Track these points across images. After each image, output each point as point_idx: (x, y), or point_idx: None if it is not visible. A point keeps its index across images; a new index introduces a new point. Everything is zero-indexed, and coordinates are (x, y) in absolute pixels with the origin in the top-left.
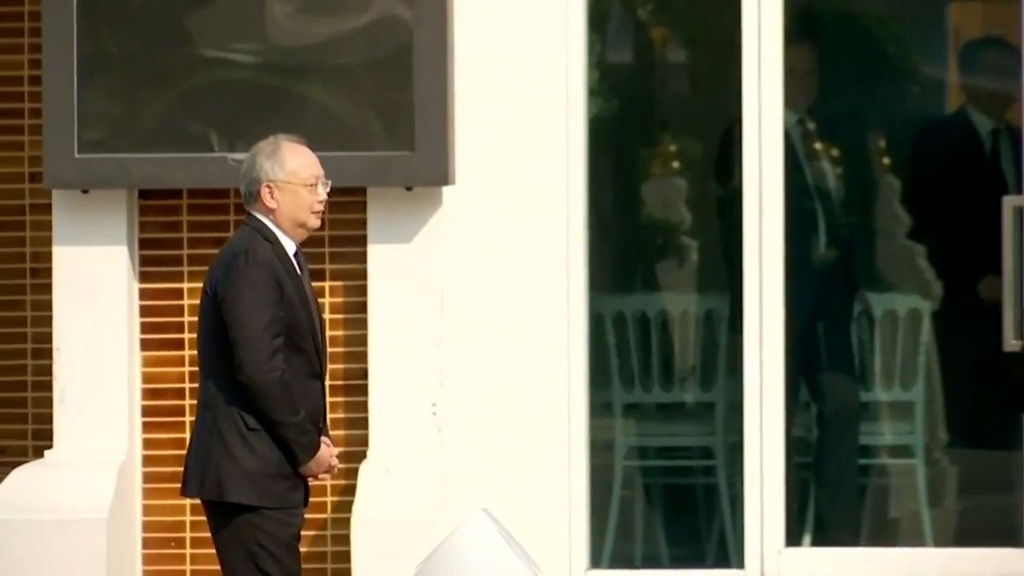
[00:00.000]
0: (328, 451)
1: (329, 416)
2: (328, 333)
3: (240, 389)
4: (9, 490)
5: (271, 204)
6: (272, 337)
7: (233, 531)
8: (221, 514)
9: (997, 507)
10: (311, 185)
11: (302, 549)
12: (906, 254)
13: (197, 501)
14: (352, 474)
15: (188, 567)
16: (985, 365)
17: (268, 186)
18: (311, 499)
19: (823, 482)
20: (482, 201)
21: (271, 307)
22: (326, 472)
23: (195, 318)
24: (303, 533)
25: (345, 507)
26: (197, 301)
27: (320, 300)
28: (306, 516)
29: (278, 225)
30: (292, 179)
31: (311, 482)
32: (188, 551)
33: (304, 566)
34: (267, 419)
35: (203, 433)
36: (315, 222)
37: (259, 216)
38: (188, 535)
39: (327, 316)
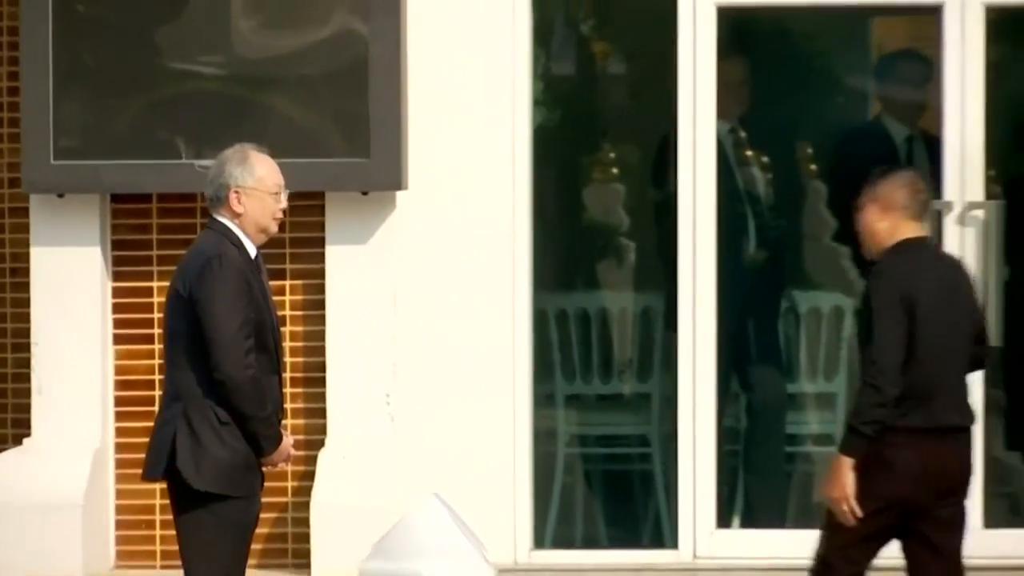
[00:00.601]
0: (288, 441)
1: (288, 407)
2: (288, 329)
3: (215, 386)
4: None
5: (238, 209)
6: (245, 337)
7: (198, 516)
8: (187, 499)
9: None
10: (275, 193)
11: (264, 531)
12: (830, 255)
13: (164, 485)
14: (311, 461)
15: (159, 547)
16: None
17: (236, 192)
18: (272, 484)
19: (752, 468)
20: (433, 205)
21: (243, 309)
22: (285, 461)
23: (148, 310)
24: (265, 516)
25: (304, 492)
26: (165, 299)
27: (280, 298)
28: (267, 500)
29: (243, 229)
30: (259, 186)
31: (267, 469)
32: (158, 532)
33: (266, 546)
34: (239, 413)
35: (171, 424)
36: (275, 228)
37: (224, 220)
38: (158, 518)
39: (287, 313)
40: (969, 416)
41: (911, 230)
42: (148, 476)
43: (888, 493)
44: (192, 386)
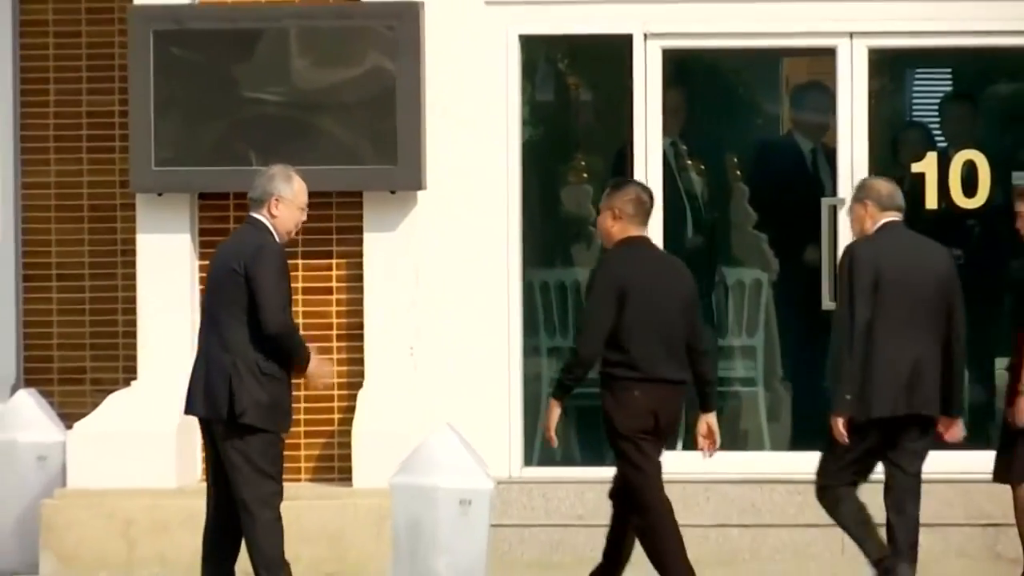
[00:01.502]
0: (328, 368)
1: (334, 357)
2: (334, 297)
3: (261, 341)
4: (106, 410)
5: (275, 212)
6: (287, 303)
7: (243, 446)
8: (232, 433)
9: (819, 419)
10: (302, 208)
11: (316, 452)
12: (752, 240)
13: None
14: (352, 398)
15: None
16: (808, 319)
17: (277, 199)
18: (321, 416)
19: (691, 404)
20: (445, 201)
21: (285, 282)
22: (328, 379)
23: None
24: (315, 441)
25: (347, 422)
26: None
27: (327, 273)
28: (318, 429)
29: (274, 228)
30: (294, 200)
31: (316, 394)
32: None
33: (317, 465)
34: (285, 354)
35: (222, 370)
36: (294, 233)
37: (262, 219)
38: None
39: (333, 285)
40: (682, 373)
41: (635, 231)
42: (196, 411)
43: (632, 426)
44: (242, 343)
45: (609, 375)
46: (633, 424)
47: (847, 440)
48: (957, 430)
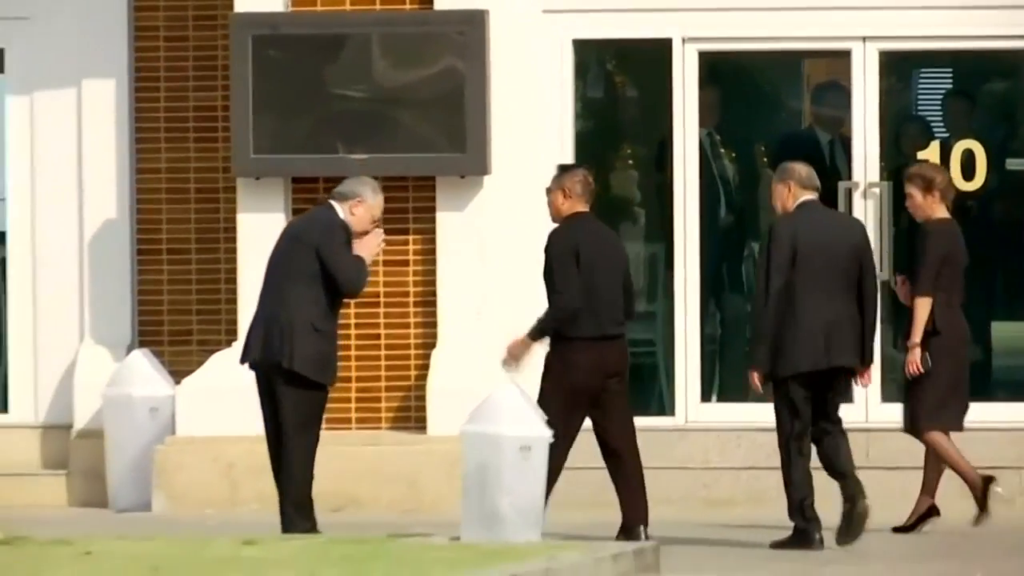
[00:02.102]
0: (377, 239)
1: (411, 320)
2: (411, 268)
3: (318, 304)
4: (210, 367)
5: (355, 212)
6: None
7: (294, 394)
8: (286, 381)
9: None
10: (375, 220)
11: (395, 404)
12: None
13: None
14: (428, 357)
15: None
16: None
17: (360, 201)
18: (400, 373)
19: (724, 362)
20: (508, 185)
21: (351, 252)
22: (377, 248)
23: None
24: (395, 394)
25: (422, 378)
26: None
27: (406, 247)
28: (397, 384)
29: (348, 222)
30: (373, 208)
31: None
32: None
33: (396, 415)
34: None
35: (281, 327)
36: (356, 236)
37: (340, 209)
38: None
39: (410, 257)
40: (620, 327)
41: (581, 207)
42: (253, 358)
43: (571, 381)
44: (302, 304)
45: (557, 333)
46: (581, 376)
47: (761, 391)
48: (868, 378)
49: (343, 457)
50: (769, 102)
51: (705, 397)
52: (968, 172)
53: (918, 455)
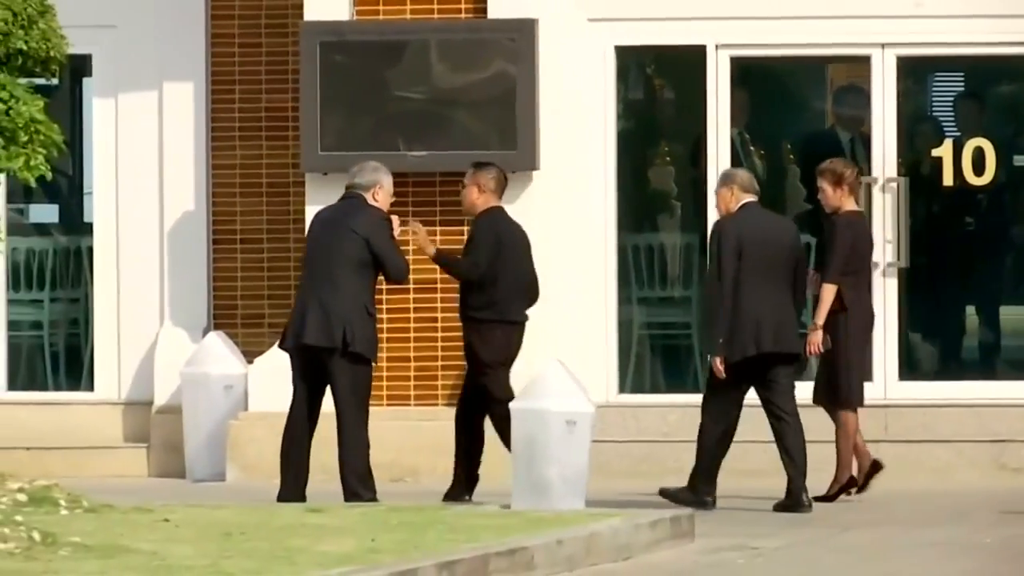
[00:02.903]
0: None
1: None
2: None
3: (372, 289)
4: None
5: (377, 199)
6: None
7: (353, 373)
8: (344, 361)
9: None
10: (390, 200)
11: (450, 383)
12: (802, 210)
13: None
14: None
15: (384, 393)
16: None
17: (380, 188)
18: (456, 353)
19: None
20: (556, 179)
21: (395, 241)
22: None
23: None
24: (451, 372)
25: None
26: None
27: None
28: (452, 363)
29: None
30: (390, 191)
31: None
32: (412, 376)
33: (451, 392)
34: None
35: (338, 310)
36: None
37: (365, 196)
38: (413, 365)
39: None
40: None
41: (495, 201)
42: (308, 341)
43: (491, 356)
44: (360, 290)
45: (473, 318)
46: (497, 356)
47: (724, 375)
48: (815, 347)
49: (402, 431)
50: (795, 103)
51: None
52: (978, 168)
53: (934, 429)
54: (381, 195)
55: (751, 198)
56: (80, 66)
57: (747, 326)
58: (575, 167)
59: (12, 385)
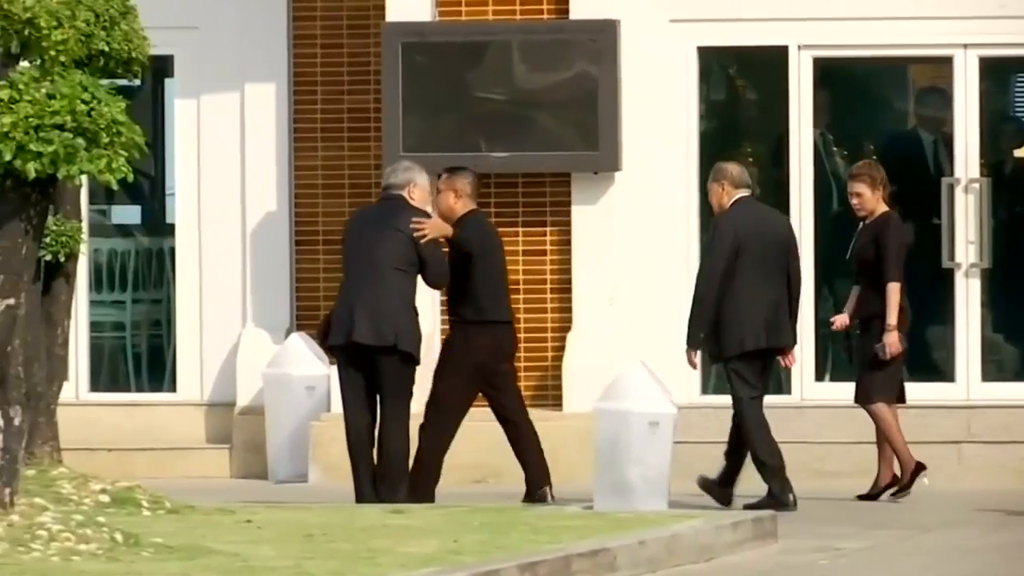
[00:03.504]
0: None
1: (548, 305)
2: (548, 258)
3: (414, 281)
4: None
5: (413, 196)
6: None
7: (402, 371)
8: (395, 359)
9: (937, 354)
10: (429, 195)
11: (533, 383)
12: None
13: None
14: (563, 340)
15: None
16: (930, 275)
17: (415, 186)
18: (538, 354)
19: (836, 344)
20: (638, 180)
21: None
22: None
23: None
24: (532, 373)
25: (558, 359)
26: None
27: (542, 238)
28: (535, 364)
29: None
30: (426, 187)
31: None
32: None
33: (535, 393)
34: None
35: (390, 309)
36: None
37: (403, 196)
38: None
39: (547, 247)
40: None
41: (472, 205)
42: (359, 340)
43: (473, 360)
44: (408, 289)
45: (461, 318)
46: (483, 356)
47: (696, 368)
48: (792, 358)
49: (486, 433)
50: (877, 104)
51: (819, 376)
52: None
53: (1016, 430)
54: (417, 193)
55: (744, 192)
56: (162, 67)
57: (747, 321)
58: (657, 168)
59: (94, 386)
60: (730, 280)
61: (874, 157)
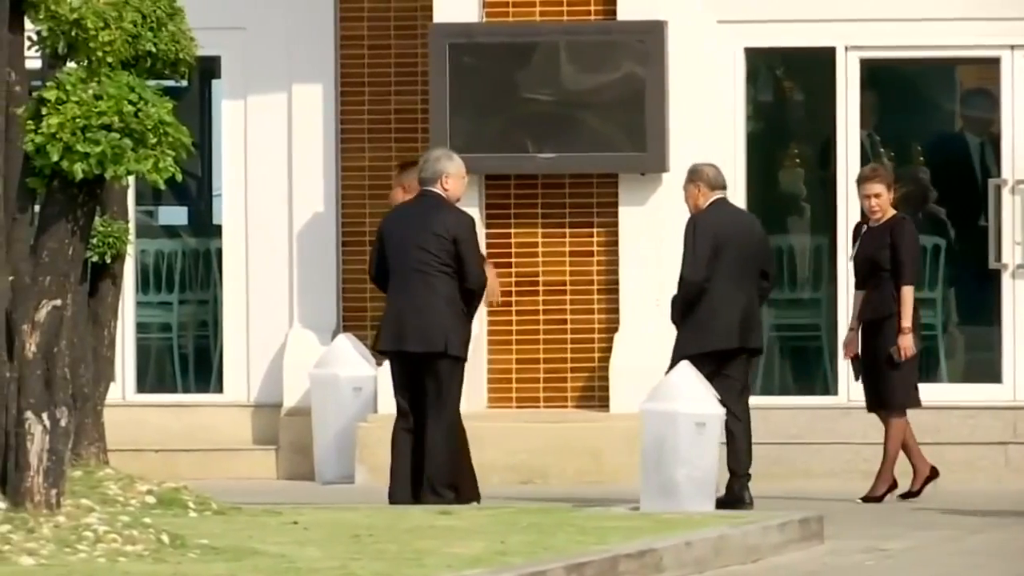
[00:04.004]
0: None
1: (595, 306)
2: (594, 259)
3: (462, 291)
4: None
5: (447, 187)
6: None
7: (451, 373)
8: (445, 363)
9: (987, 356)
10: (464, 176)
11: (580, 384)
12: (932, 212)
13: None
14: (610, 341)
15: (514, 395)
16: (977, 276)
17: (447, 176)
18: (586, 355)
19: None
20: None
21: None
22: (496, 297)
23: (508, 248)
24: (580, 375)
25: (605, 360)
26: (519, 239)
27: (589, 239)
28: (582, 365)
29: (449, 199)
30: (459, 172)
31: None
32: (514, 385)
33: (582, 394)
34: (479, 298)
35: (437, 313)
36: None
37: (437, 192)
38: (514, 376)
39: (594, 248)
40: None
41: (411, 194)
42: (407, 347)
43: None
44: (451, 291)
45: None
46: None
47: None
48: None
49: (532, 434)
50: (924, 105)
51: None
52: None
53: None
54: (450, 182)
55: (720, 194)
56: (209, 68)
57: (722, 320)
58: None
59: (141, 387)
60: (706, 279)
61: (921, 159)
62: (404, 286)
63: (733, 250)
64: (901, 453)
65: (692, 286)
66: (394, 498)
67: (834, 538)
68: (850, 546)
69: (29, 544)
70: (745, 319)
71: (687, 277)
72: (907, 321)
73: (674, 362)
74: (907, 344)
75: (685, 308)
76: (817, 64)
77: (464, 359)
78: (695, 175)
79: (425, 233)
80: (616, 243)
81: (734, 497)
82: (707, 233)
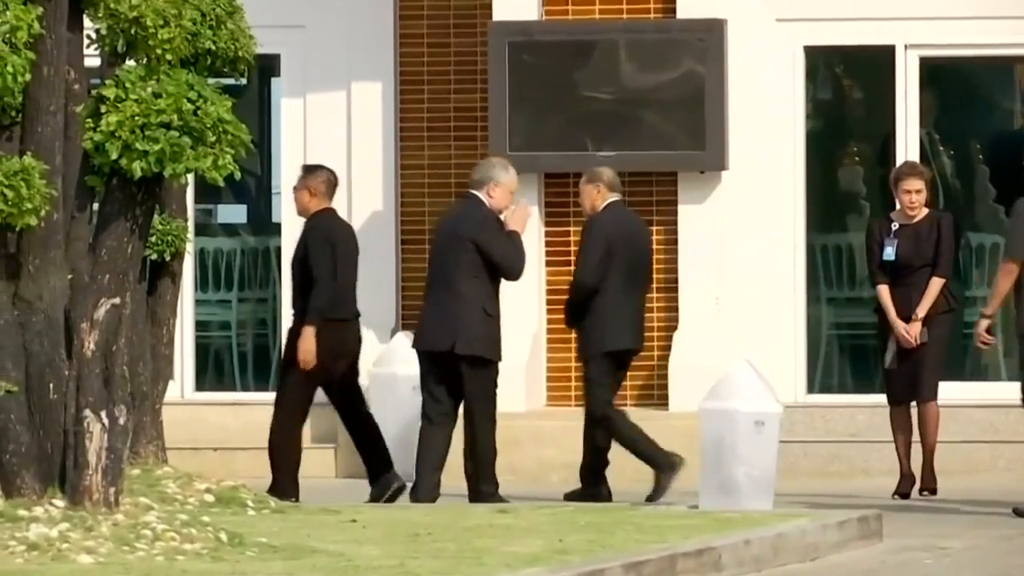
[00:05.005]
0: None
1: (653, 305)
2: (658, 256)
3: (491, 287)
4: None
5: (492, 195)
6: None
7: (476, 376)
8: (468, 365)
9: None
10: (512, 192)
11: (639, 383)
12: (991, 210)
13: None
14: (670, 339)
15: (573, 392)
16: None
17: (495, 184)
18: (646, 353)
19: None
20: (745, 179)
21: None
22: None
23: (567, 247)
24: (639, 373)
25: (664, 358)
26: (578, 238)
27: (649, 237)
28: (642, 364)
29: (491, 206)
30: (508, 185)
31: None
32: (573, 383)
33: (640, 392)
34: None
35: (457, 314)
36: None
37: (481, 196)
38: (572, 374)
39: (654, 247)
40: (357, 311)
41: (326, 204)
42: (432, 346)
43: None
44: (478, 291)
45: (301, 315)
46: (320, 354)
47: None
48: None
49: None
50: (984, 104)
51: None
52: None
53: None
54: (497, 192)
55: (616, 197)
56: (268, 66)
57: (620, 320)
58: (764, 167)
59: (200, 385)
60: (600, 281)
61: (980, 157)
62: (433, 289)
63: (626, 253)
64: (901, 452)
65: (584, 288)
66: (415, 493)
67: (893, 536)
68: (908, 544)
69: (87, 543)
70: (636, 320)
71: (581, 280)
72: (924, 312)
73: (594, 361)
74: (916, 331)
75: (575, 311)
76: (876, 62)
77: (488, 356)
78: (595, 176)
79: (452, 241)
80: (675, 241)
81: (658, 490)
82: (600, 237)
